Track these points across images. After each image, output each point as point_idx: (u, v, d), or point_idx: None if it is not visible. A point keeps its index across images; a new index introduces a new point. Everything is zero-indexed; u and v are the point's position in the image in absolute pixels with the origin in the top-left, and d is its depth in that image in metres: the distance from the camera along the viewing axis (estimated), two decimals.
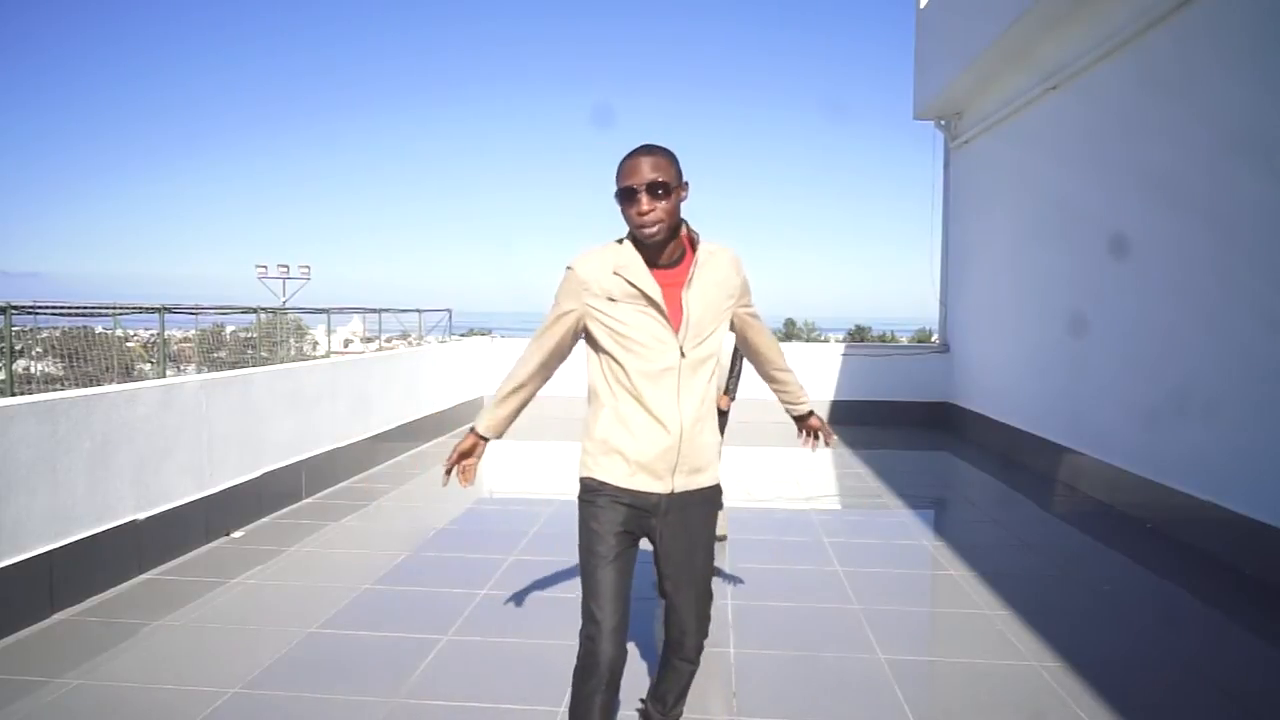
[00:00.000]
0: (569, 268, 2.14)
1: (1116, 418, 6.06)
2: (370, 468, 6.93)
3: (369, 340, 19.23)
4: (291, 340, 14.08)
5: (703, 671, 3.18)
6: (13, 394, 6.58)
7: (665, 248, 2.10)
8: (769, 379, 2.55)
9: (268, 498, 5.40)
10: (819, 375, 10.17)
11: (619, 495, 2.15)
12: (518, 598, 3.98)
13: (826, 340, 25.77)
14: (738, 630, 3.58)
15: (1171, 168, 5.44)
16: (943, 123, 10.31)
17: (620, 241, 2.15)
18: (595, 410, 2.20)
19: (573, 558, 4.83)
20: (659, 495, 2.16)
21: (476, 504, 6.13)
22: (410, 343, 17.04)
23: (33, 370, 9.24)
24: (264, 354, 12.73)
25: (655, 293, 2.07)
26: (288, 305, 22.05)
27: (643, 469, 2.14)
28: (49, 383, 8.95)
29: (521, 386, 2.27)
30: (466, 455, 2.32)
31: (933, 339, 11.13)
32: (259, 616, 3.72)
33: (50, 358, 9.55)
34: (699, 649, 2.31)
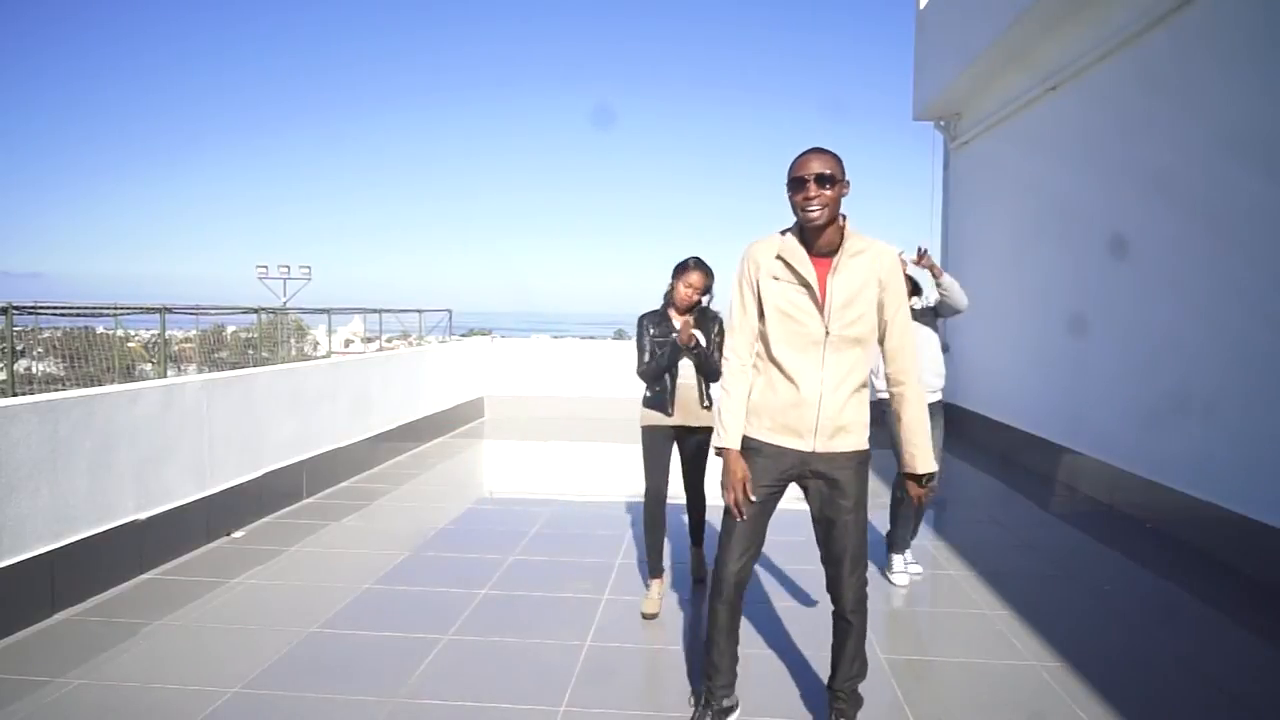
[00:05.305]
0: (745, 253, 2.55)
1: (1116, 417, 6.06)
2: (371, 468, 6.93)
3: (369, 340, 19.25)
4: (292, 340, 14.10)
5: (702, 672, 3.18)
6: (14, 394, 6.59)
7: (823, 234, 2.42)
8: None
9: (268, 498, 5.40)
10: None
11: (763, 449, 2.51)
12: (518, 598, 3.98)
13: None
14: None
15: (1170, 167, 5.45)
16: (942, 123, 10.31)
17: (784, 233, 2.51)
18: (754, 379, 2.57)
19: (572, 558, 4.84)
20: (803, 453, 2.48)
21: (476, 504, 6.14)
22: (411, 343, 17.06)
23: (34, 370, 9.26)
24: (265, 354, 12.74)
25: (811, 275, 2.42)
26: (288, 305, 22.05)
27: (786, 428, 2.48)
28: (50, 383, 8.96)
29: (748, 371, 2.57)
30: (748, 477, 2.54)
31: None
32: (259, 616, 3.73)
33: (51, 358, 9.56)
34: (855, 605, 2.54)
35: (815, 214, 2.37)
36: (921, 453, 2.52)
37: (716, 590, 2.59)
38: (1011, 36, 7.27)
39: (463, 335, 18.45)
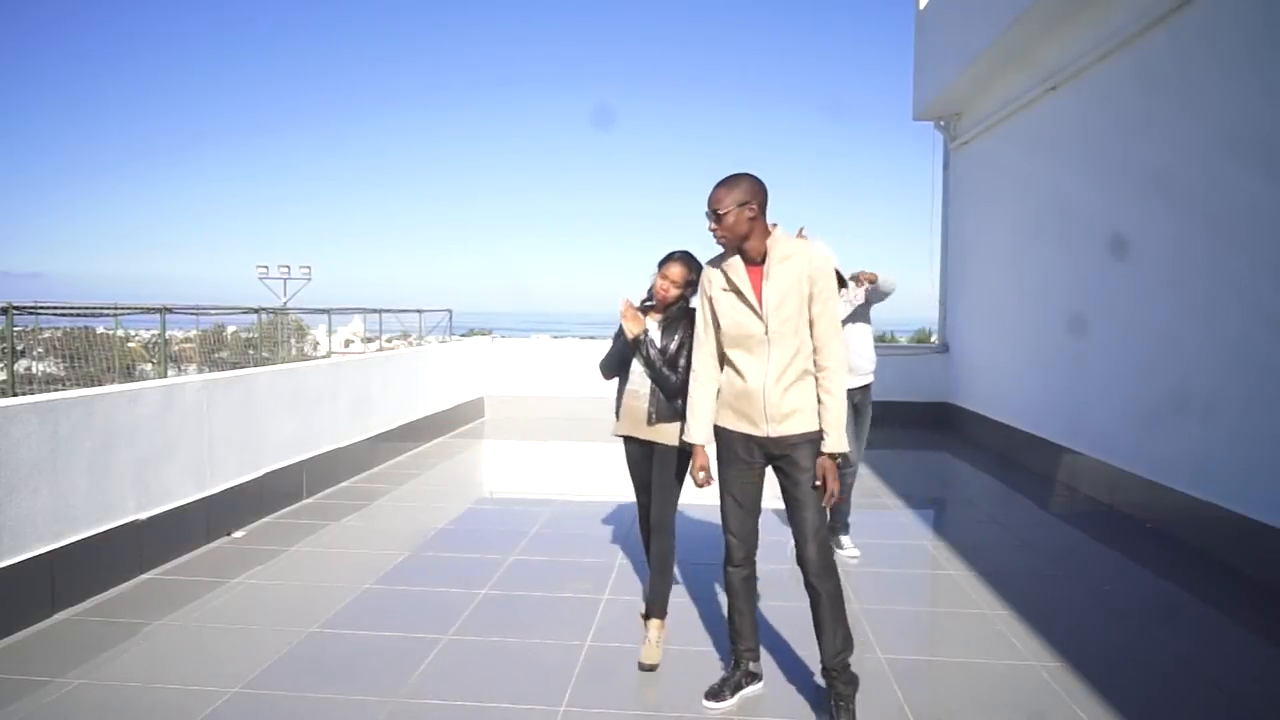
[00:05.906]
0: (702, 271, 2.97)
1: (1115, 417, 6.06)
2: (371, 468, 6.93)
3: (369, 340, 19.24)
4: (292, 340, 14.10)
5: (702, 672, 3.18)
6: (14, 394, 6.59)
7: (745, 250, 2.77)
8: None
9: (268, 498, 5.40)
10: None
11: (730, 435, 2.87)
12: (518, 598, 3.99)
13: None
14: None
15: (1170, 167, 5.45)
16: (942, 123, 10.31)
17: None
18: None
19: (572, 558, 4.84)
20: (759, 438, 2.80)
21: (476, 504, 6.14)
22: (411, 343, 17.05)
23: (34, 370, 9.25)
24: (265, 354, 12.75)
25: (746, 287, 2.77)
26: (288, 305, 22.04)
27: (742, 416, 2.82)
28: (50, 383, 8.96)
29: (711, 381, 2.93)
30: (706, 466, 2.99)
31: (932, 339, 11.12)
32: (259, 616, 3.73)
33: (52, 358, 9.56)
34: (819, 571, 2.76)
35: (720, 241, 2.79)
36: (837, 433, 2.77)
37: (728, 557, 2.93)
38: (1011, 36, 7.27)
39: (463, 335, 18.44)
